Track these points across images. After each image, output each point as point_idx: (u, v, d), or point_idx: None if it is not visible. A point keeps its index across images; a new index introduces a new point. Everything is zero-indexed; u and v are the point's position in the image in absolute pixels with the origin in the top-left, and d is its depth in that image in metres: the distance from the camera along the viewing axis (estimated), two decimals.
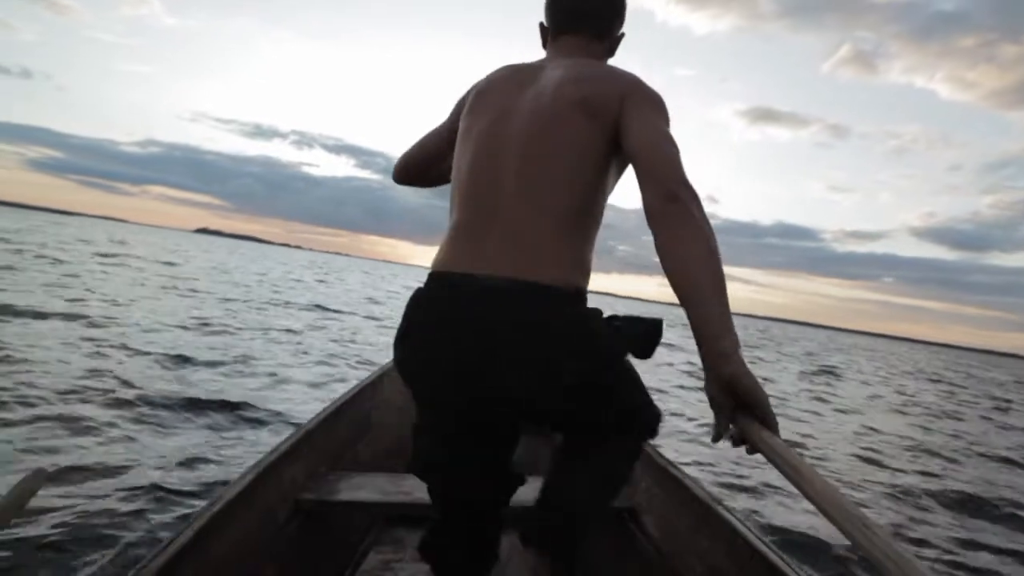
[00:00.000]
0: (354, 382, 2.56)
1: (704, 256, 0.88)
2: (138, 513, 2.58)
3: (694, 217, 0.91)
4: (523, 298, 0.98)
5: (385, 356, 4.68)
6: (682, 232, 0.90)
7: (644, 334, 1.05)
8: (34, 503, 2.20)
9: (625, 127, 1.04)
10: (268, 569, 1.39)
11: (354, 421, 2.17)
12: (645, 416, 1.10)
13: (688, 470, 1.77)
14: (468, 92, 1.24)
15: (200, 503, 2.42)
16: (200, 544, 1.14)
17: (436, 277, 1.06)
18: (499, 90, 1.16)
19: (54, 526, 2.39)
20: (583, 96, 1.06)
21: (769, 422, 0.85)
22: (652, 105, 1.07)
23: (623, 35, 1.26)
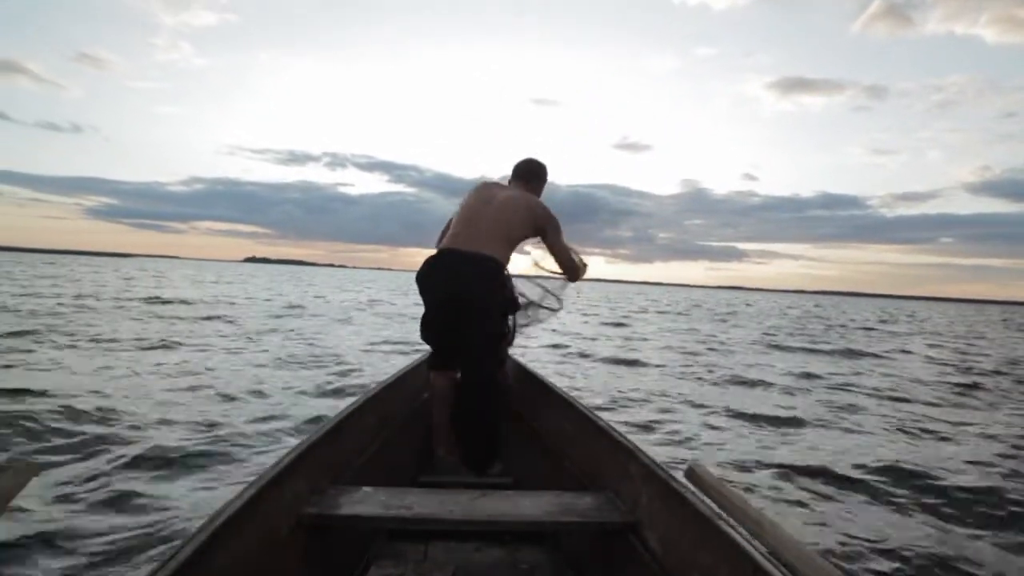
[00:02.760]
0: (356, 395, 2.56)
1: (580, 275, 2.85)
2: (142, 517, 2.52)
3: (580, 274, 2.81)
4: (481, 258, 2.41)
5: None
6: (578, 277, 2.84)
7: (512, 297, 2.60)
8: (30, 503, 2.32)
9: (548, 241, 2.64)
10: None
11: (356, 435, 2.18)
12: (514, 308, 2.61)
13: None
14: (473, 187, 2.67)
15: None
16: (202, 559, 1.14)
17: (446, 250, 2.47)
18: (489, 189, 2.64)
19: (47, 532, 2.33)
20: (529, 206, 2.59)
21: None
22: (556, 229, 2.63)
23: (544, 183, 2.85)
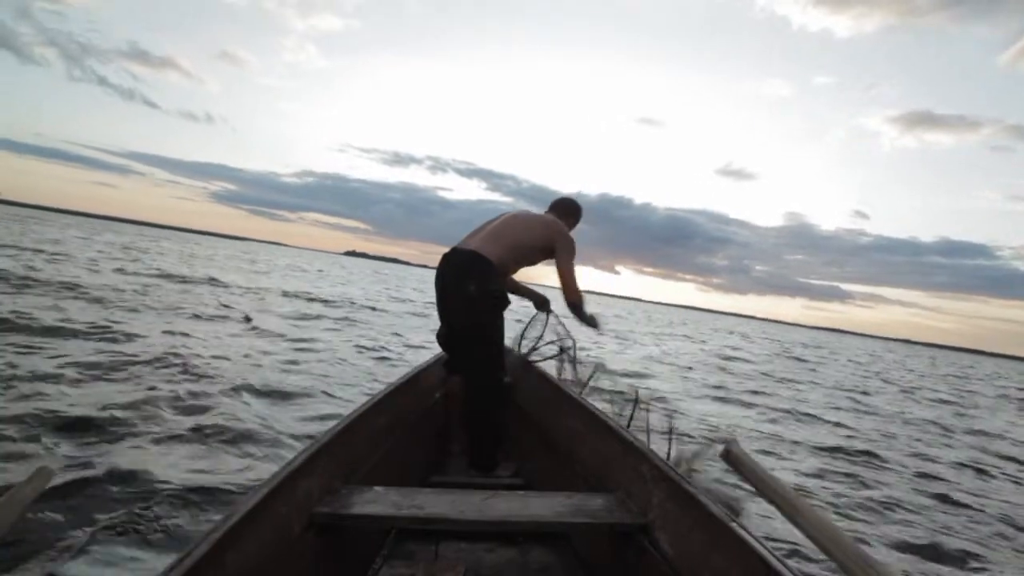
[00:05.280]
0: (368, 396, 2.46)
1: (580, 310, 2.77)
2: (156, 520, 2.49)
3: (578, 300, 2.72)
4: (475, 256, 2.56)
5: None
6: (575, 304, 2.74)
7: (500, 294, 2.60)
8: (42, 506, 2.34)
9: (556, 257, 2.71)
10: None
11: (368, 435, 2.19)
12: (502, 303, 2.63)
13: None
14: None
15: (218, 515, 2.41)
16: (216, 557, 1.16)
17: (452, 249, 2.65)
18: (516, 214, 2.84)
19: (63, 532, 2.32)
20: (547, 222, 2.79)
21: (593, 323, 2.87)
22: (566, 250, 2.71)
23: (576, 222, 3.00)
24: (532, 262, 2.80)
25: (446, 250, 2.70)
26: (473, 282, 2.54)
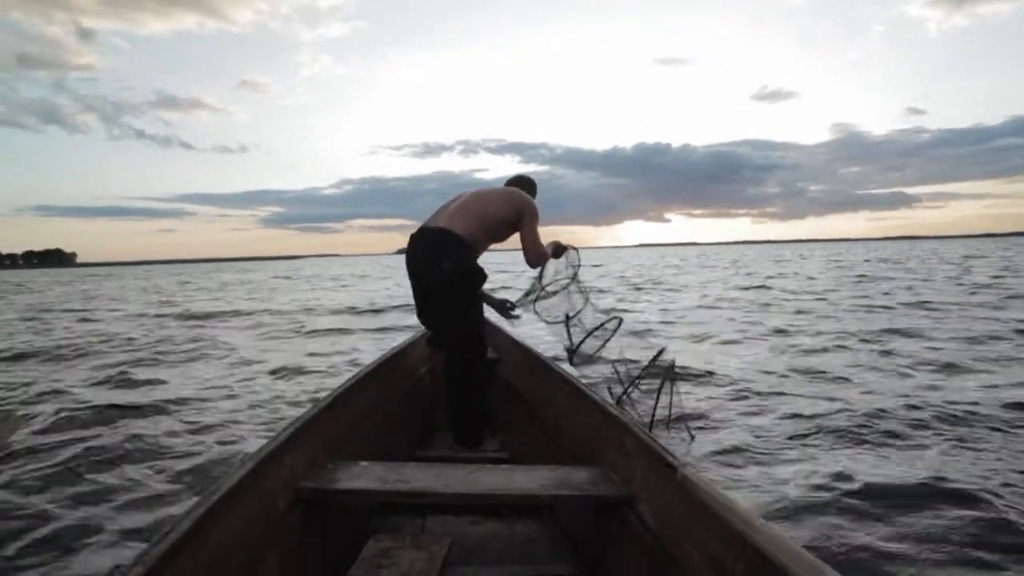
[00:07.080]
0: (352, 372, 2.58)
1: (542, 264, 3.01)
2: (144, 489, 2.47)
3: (541, 260, 2.94)
4: (445, 233, 2.58)
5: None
6: (536, 264, 2.92)
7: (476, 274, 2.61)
8: (23, 480, 2.41)
9: (521, 224, 2.77)
10: (268, 557, 1.41)
11: (353, 411, 2.20)
12: (478, 278, 2.65)
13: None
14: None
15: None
16: (200, 532, 1.17)
17: (420, 228, 2.68)
18: (479, 190, 2.87)
19: (48, 500, 2.34)
20: (510, 192, 2.84)
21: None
22: (532, 217, 2.78)
23: (534, 195, 2.98)
24: (502, 237, 2.85)
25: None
26: (446, 260, 2.58)
